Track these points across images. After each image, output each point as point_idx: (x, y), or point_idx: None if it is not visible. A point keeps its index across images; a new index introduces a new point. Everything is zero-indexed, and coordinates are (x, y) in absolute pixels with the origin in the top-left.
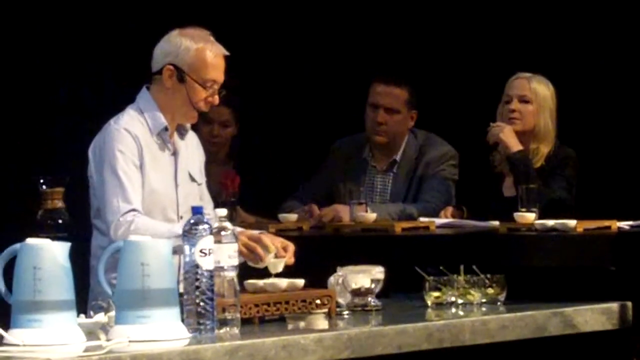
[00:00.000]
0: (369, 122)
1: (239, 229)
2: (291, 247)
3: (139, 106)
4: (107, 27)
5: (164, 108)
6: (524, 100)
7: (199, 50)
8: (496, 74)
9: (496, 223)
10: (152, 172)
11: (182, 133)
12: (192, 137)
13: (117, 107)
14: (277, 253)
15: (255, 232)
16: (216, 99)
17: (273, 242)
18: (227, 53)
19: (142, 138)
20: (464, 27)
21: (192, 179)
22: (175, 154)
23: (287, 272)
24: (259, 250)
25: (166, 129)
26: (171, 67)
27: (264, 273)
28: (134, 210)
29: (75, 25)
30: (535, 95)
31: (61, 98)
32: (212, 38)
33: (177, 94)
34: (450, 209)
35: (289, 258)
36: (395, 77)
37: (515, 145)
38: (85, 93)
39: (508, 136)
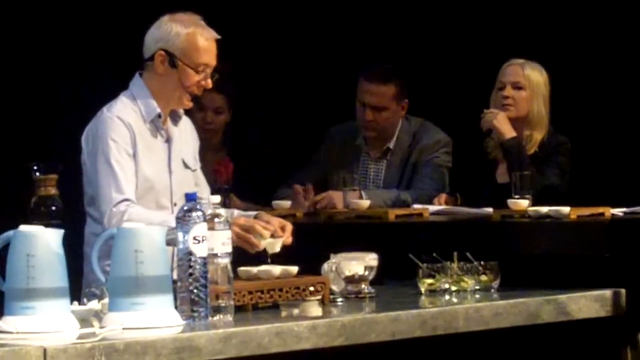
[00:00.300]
0: (358, 118)
1: (236, 212)
2: (289, 226)
3: (132, 93)
4: (106, 25)
5: (156, 94)
6: (517, 86)
7: (190, 35)
8: (490, 60)
9: (490, 210)
10: (145, 159)
11: (175, 120)
12: (185, 123)
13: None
14: (275, 233)
15: (249, 217)
16: (209, 83)
17: (270, 222)
18: (218, 37)
19: (135, 125)
20: (458, 13)
21: (186, 166)
22: (168, 140)
23: (285, 252)
24: (253, 240)
25: (159, 115)
26: (163, 52)
27: (259, 259)
28: (126, 200)
29: (75, 24)
30: (528, 82)
31: (58, 93)
32: (203, 22)
33: (169, 79)
34: (443, 196)
35: (287, 237)
36: (380, 74)
37: (508, 132)
38: (83, 88)
39: (501, 123)
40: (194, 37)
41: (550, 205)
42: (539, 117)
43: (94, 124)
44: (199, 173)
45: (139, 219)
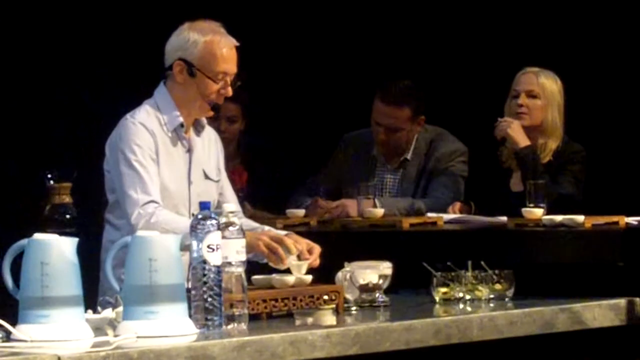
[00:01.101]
0: (374, 135)
1: (266, 228)
2: (317, 249)
3: (155, 101)
4: (107, 27)
5: (179, 103)
6: (531, 95)
7: (207, 43)
8: (504, 69)
9: (504, 218)
10: (165, 168)
11: (198, 130)
12: (209, 133)
13: (117, 107)
14: (301, 255)
15: (280, 233)
16: (229, 91)
17: (298, 243)
18: (237, 44)
19: (158, 134)
20: (472, 22)
21: (207, 177)
22: (190, 150)
23: (313, 270)
24: (280, 251)
25: (182, 125)
26: (181, 62)
27: (271, 269)
28: (153, 201)
29: (76, 26)
30: (543, 90)
31: (64, 97)
32: (222, 30)
33: (189, 88)
34: (458, 205)
35: (314, 260)
36: (395, 96)
37: (522, 141)
38: (87, 93)
39: (516, 131)
40: (212, 45)
41: (564, 214)
42: (553, 126)
43: (117, 131)
44: (225, 183)
45: (165, 222)
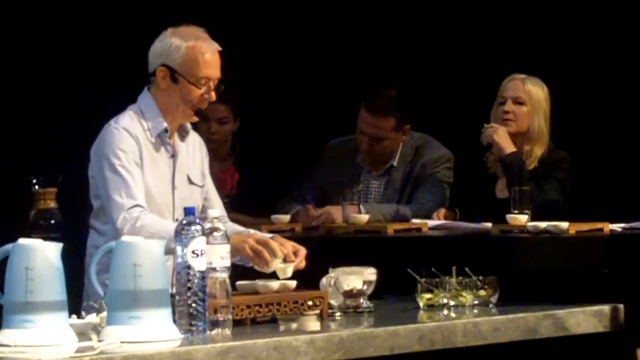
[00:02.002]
0: (358, 143)
1: (252, 232)
2: (302, 251)
3: (139, 107)
4: (107, 27)
5: (163, 109)
6: (518, 102)
7: (189, 49)
8: (490, 75)
9: (489, 225)
10: (149, 173)
11: (182, 135)
12: (194, 139)
13: (117, 107)
14: (287, 257)
15: (265, 236)
16: (213, 96)
17: (284, 245)
18: (219, 49)
19: (142, 139)
20: (458, 28)
21: (191, 182)
22: (174, 156)
23: (297, 275)
24: (265, 254)
25: (166, 130)
26: (164, 68)
27: (257, 275)
28: (138, 205)
29: (75, 26)
30: (529, 97)
31: (59, 98)
32: (204, 35)
33: (172, 94)
34: (442, 211)
35: (300, 262)
36: (380, 106)
37: (508, 147)
38: (84, 93)
39: (502, 138)
40: (194, 50)
41: (549, 220)
42: (539, 133)
43: (101, 137)
44: (210, 188)
45: (151, 226)
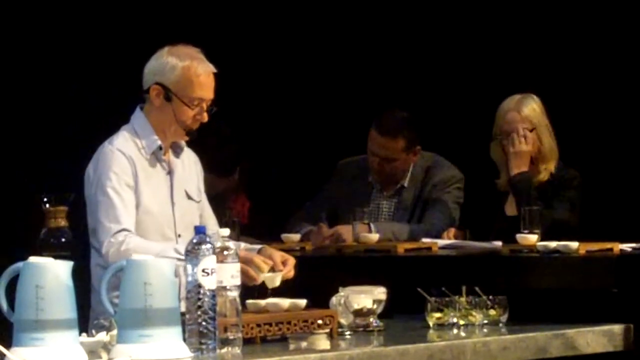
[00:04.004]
0: (369, 163)
1: (242, 245)
2: (291, 260)
3: (133, 126)
4: (112, 33)
5: (156, 127)
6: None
7: (185, 69)
8: (500, 95)
9: (499, 244)
10: (147, 191)
11: (177, 151)
12: (189, 155)
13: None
14: (275, 267)
15: (253, 251)
16: (205, 117)
17: (272, 257)
18: (215, 70)
19: (136, 158)
20: (468, 49)
21: (189, 197)
22: (170, 172)
23: (287, 286)
24: (251, 272)
25: (160, 148)
26: (158, 86)
27: (259, 292)
28: (125, 230)
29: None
30: (530, 121)
31: (68, 108)
32: (200, 56)
33: (165, 112)
34: (452, 230)
35: (288, 272)
36: (390, 127)
37: (516, 167)
38: (92, 102)
39: (518, 155)
40: (189, 71)
41: (559, 239)
42: (550, 149)
43: (95, 158)
44: (205, 204)
45: (136, 249)
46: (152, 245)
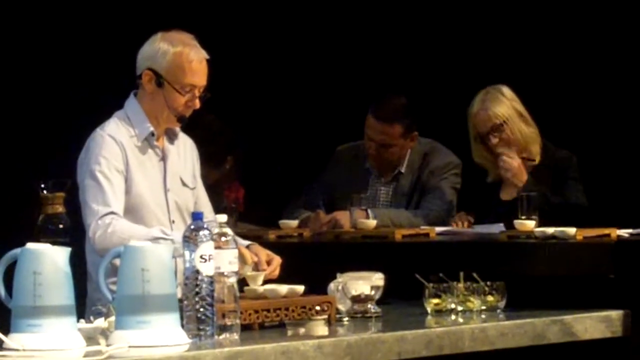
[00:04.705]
0: (366, 149)
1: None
2: (276, 260)
3: (125, 113)
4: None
5: (149, 113)
6: (496, 130)
7: (176, 55)
8: (498, 81)
9: (501, 226)
10: (139, 177)
11: (171, 138)
12: (184, 141)
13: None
14: (259, 266)
15: (242, 243)
16: (197, 103)
17: (257, 254)
18: (207, 57)
19: (128, 144)
20: (465, 35)
21: (184, 184)
22: (164, 159)
23: (291, 272)
24: None
25: (153, 134)
26: (149, 71)
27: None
28: (112, 213)
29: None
30: (499, 118)
31: (68, 103)
32: (193, 42)
33: (157, 98)
34: (462, 215)
35: (272, 271)
36: (387, 113)
37: (519, 181)
38: (94, 98)
39: (514, 173)
40: (181, 57)
41: (578, 226)
42: (527, 136)
43: (87, 144)
44: (200, 191)
45: (122, 232)
46: (138, 227)
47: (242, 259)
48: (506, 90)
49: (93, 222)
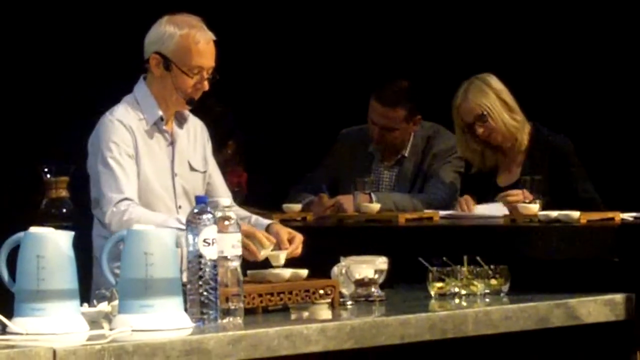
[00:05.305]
0: (370, 133)
1: (253, 218)
2: (298, 237)
3: (134, 97)
4: (116, 28)
5: (158, 97)
6: (480, 120)
7: (183, 37)
8: (500, 64)
9: (505, 210)
10: (147, 162)
11: (180, 122)
12: (195, 124)
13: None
14: (281, 245)
15: (263, 222)
16: (205, 85)
17: (279, 232)
18: (214, 38)
19: (137, 129)
20: (468, 18)
21: (192, 168)
22: (172, 143)
23: (293, 262)
24: (252, 247)
25: (162, 118)
26: (157, 55)
27: (267, 264)
28: (127, 199)
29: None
30: (483, 109)
31: (68, 94)
32: (200, 24)
33: (165, 82)
34: (468, 198)
35: (295, 249)
36: (390, 97)
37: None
38: (93, 89)
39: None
40: (187, 39)
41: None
42: (509, 126)
43: (96, 129)
44: (214, 173)
45: (138, 219)
46: (154, 215)
47: (258, 245)
48: (490, 79)
49: (109, 210)
